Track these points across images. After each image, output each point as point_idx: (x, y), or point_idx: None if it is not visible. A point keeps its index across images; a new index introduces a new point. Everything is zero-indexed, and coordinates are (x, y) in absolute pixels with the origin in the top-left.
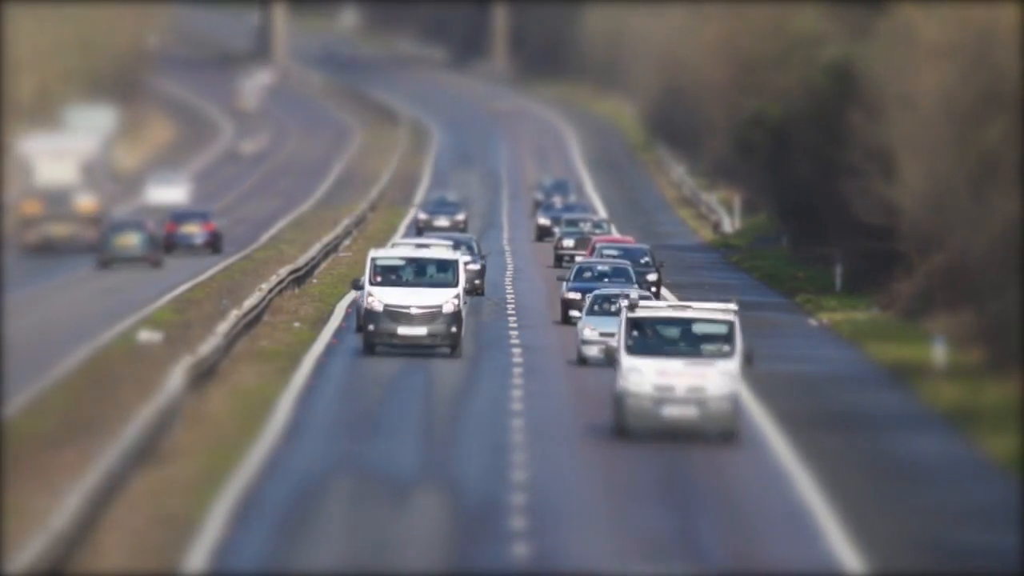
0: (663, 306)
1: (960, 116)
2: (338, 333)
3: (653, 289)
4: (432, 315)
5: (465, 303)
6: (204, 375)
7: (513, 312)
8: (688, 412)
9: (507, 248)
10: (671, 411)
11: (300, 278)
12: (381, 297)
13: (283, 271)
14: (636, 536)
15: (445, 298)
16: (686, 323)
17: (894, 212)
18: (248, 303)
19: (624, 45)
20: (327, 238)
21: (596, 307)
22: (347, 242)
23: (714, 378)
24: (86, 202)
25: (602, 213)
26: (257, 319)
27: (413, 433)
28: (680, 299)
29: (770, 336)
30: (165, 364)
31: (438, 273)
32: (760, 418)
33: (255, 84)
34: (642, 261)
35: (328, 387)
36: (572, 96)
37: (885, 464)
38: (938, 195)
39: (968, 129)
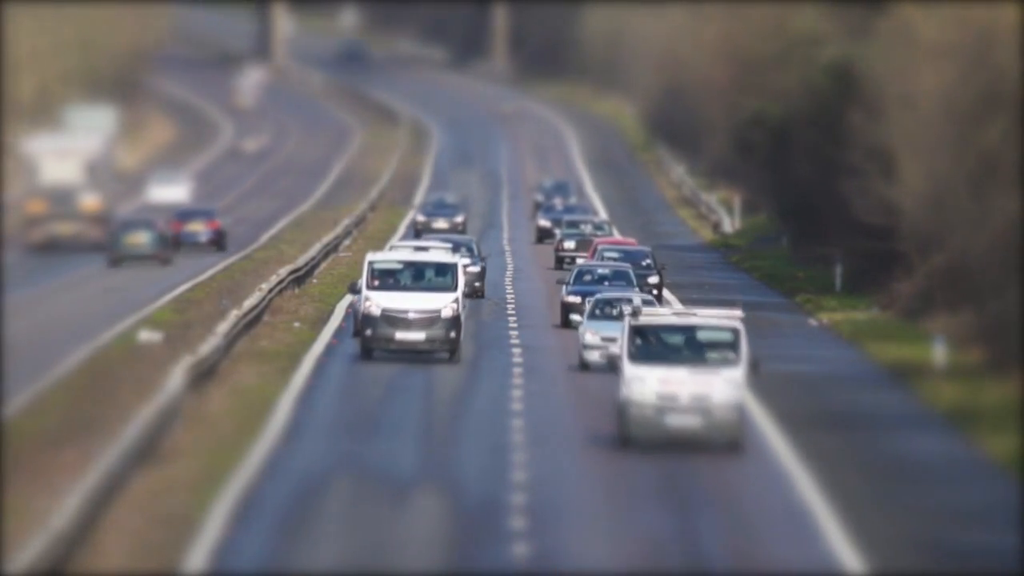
0: (667, 313)
1: (960, 116)
2: (338, 333)
3: (655, 292)
4: (430, 320)
5: (464, 307)
6: (204, 375)
7: (513, 312)
8: (692, 421)
9: (507, 248)
10: (675, 420)
11: (300, 278)
12: (379, 301)
13: (283, 271)
14: (635, 536)
15: (444, 302)
16: (690, 330)
17: (894, 212)
18: (248, 303)
19: (624, 45)
20: (327, 238)
21: (597, 311)
22: (347, 242)
23: (719, 386)
24: (90, 201)
25: (602, 214)
26: (257, 319)
27: (413, 433)
28: (681, 299)
29: (770, 336)
30: (165, 364)
31: (437, 277)
32: (760, 418)
33: (250, 82)
34: (643, 263)
35: (328, 387)
36: (572, 96)
37: (885, 464)
38: (938, 195)
39: (968, 129)
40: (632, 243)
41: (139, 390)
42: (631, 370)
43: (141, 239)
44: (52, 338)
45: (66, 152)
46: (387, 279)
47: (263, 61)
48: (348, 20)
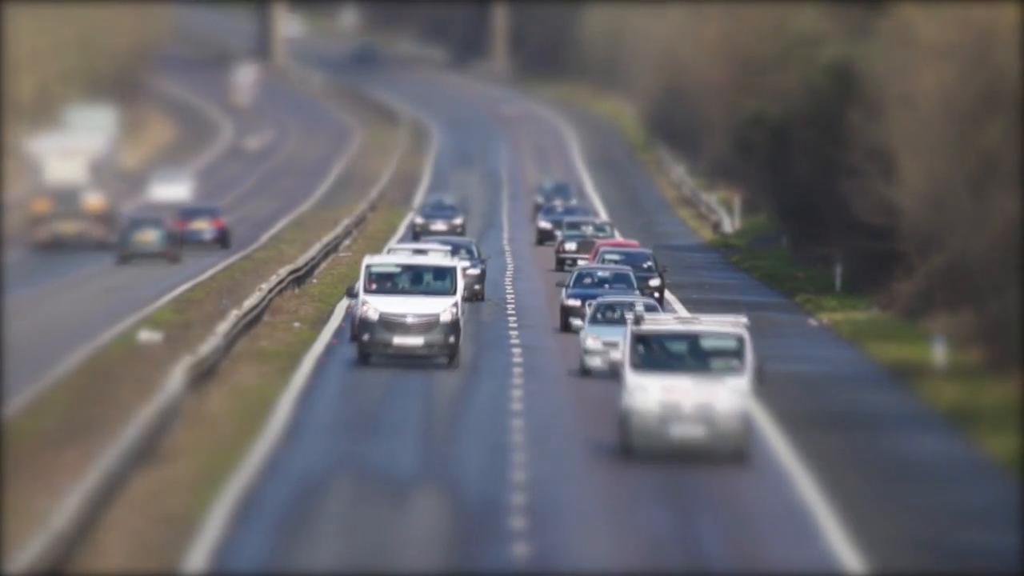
0: (670, 320)
1: (960, 116)
2: (338, 333)
3: (656, 295)
4: (429, 324)
5: (463, 312)
6: (204, 375)
7: (513, 312)
8: (696, 431)
9: (507, 248)
10: (678, 430)
11: (300, 278)
12: (376, 305)
13: (283, 271)
14: (635, 535)
15: (443, 307)
16: (694, 338)
17: (894, 212)
18: (248, 303)
19: (624, 45)
20: (327, 238)
21: (599, 315)
22: (347, 242)
23: (723, 395)
24: (94, 200)
25: (603, 214)
26: (257, 319)
27: (413, 433)
28: (681, 299)
29: (770, 336)
30: (165, 364)
31: (435, 281)
32: (760, 418)
33: (246, 80)
34: (644, 266)
35: (328, 387)
36: (572, 96)
37: (885, 464)
38: (938, 195)
39: (968, 129)
40: (634, 245)
41: (139, 390)
42: (633, 378)
43: (150, 237)
44: (52, 338)
45: (70, 151)
46: (385, 283)
47: (259, 60)
48: (348, 20)
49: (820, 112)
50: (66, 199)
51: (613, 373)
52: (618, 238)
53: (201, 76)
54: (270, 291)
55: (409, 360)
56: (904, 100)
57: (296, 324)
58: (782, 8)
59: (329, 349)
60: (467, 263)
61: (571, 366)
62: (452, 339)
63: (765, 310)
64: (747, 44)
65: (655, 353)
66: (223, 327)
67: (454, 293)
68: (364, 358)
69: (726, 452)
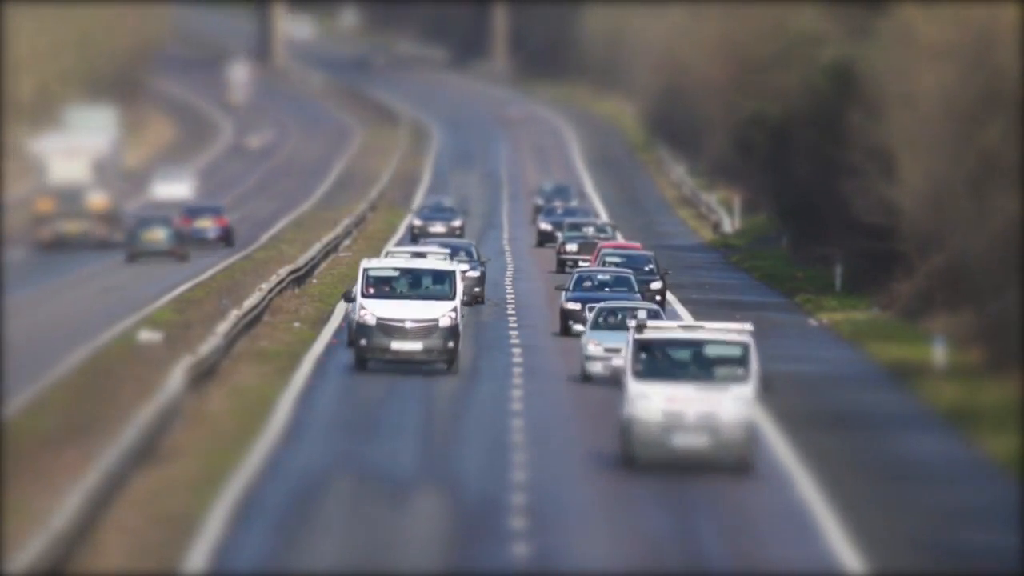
0: (673, 327)
1: (960, 116)
2: (338, 333)
3: (658, 298)
4: (428, 329)
5: (462, 316)
6: (204, 375)
7: (513, 312)
8: (699, 441)
9: (507, 248)
10: (681, 440)
11: (300, 278)
12: (374, 310)
13: (283, 271)
14: (635, 534)
15: (441, 311)
16: (697, 345)
17: (894, 212)
18: (248, 303)
19: (624, 45)
20: (327, 238)
21: (601, 320)
22: (347, 242)
23: (727, 404)
24: (98, 200)
25: (603, 214)
26: (257, 319)
27: (413, 433)
28: (681, 300)
29: (770, 336)
30: (165, 364)
31: (434, 285)
32: (760, 418)
33: (239, 78)
34: (646, 268)
35: (328, 387)
36: (572, 96)
37: (885, 464)
38: (938, 195)
39: (968, 129)
40: (636, 247)
41: (139, 390)
42: (635, 387)
43: (158, 235)
44: (52, 338)
45: (74, 151)
46: (383, 287)
47: (258, 60)
48: (348, 20)
49: (820, 112)
50: (70, 199)
51: (614, 380)
52: (620, 240)
53: (200, 76)
54: (270, 291)
55: (407, 366)
56: (904, 100)
57: (296, 324)
58: (782, 8)
59: (329, 349)
60: (466, 266)
61: (571, 370)
62: (451, 344)
63: (765, 310)
64: (747, 44)
65: (658, 361)
66: (223, 327)
67: (453, 298)
68: (361, 363)
69: (730, 462)
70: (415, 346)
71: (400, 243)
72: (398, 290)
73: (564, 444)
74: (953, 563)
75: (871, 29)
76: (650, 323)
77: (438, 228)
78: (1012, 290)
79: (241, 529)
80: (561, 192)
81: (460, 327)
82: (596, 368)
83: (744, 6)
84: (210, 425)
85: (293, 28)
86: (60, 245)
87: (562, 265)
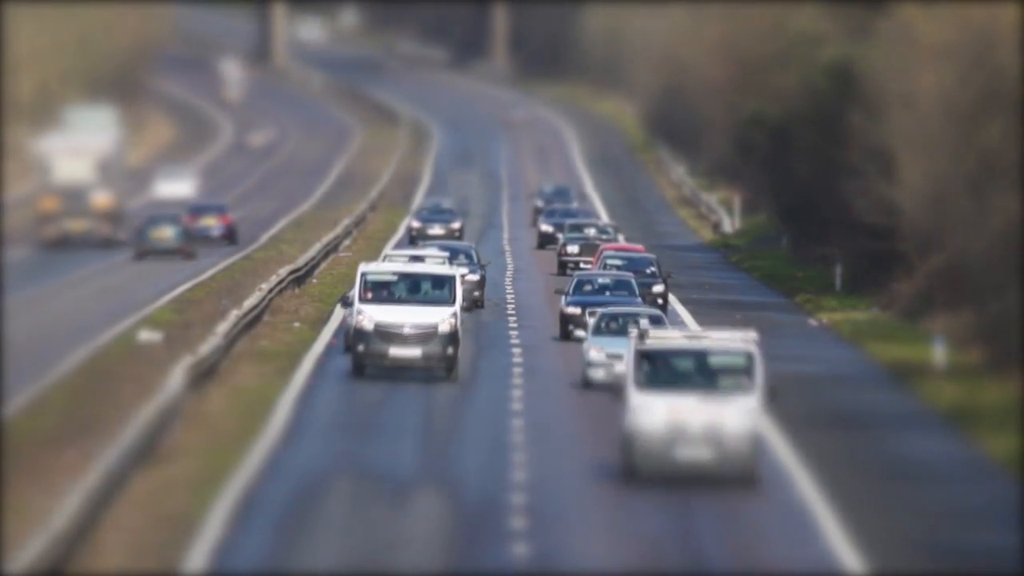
0: (676, 335)
1: (960, 116)
2: (338, 333)
3: (660, 301)
4: (427, 335)
5: (461, 323)
6: (204, 375)
7: (513, 312)
8: (703, 454)
9: (507, 249)
10: (684, 453)
11: (300, 278)
12: (372, 315)
13: (283, 271)
14: (634, 533)
15: (441, 317)
16: (701, 355)
17: (894, 212)
18: (248, 303)
19: (624, 45)
20: (327, 238)
21: (603, 325)
22: (347, 242)
23: (732, 416)
24: (102, 199)
25: (603, 214)
26: (257, 319)
27: (413, 433)
28: (682, 300)
29: (770, 336)
30: (165, 364)
31: (433, 290)
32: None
33: (232, 75)
34: (648, 271)
35: (328, 387)
36: (572, 96)
37: (885, 464)
38: (938, 195)
39: (968, 129)
40: (639, 249)
41: (139, 390)
42: (637, 398)
43: (167, 233)
44: (52, 338)
45: (78, 151)
46: (381, 291)
47: (240, 56)
48: (348, 20)
49: (820, 112)
50: (74, 198)
51: (616, 392)
52: (622, 241)
53: (198, 75)
54: (270, 291)
55: (405, 372)
56: (904, 100)
57: (296, 324)
58: (782, 8)
59: (329, 349)
60: (465, 270)
61: (572, 376)
62: (451, 351)
63: (765, 310)
64: (747, 44)
65: (660, 371)
66: (223, 327)
67: (453, 303)
68: (359, 370)
69: (735, 476)
70: (414, 352)
71: (399, 245)
72: (397, 295)
73: (564, 444)
74: (953, 563)
75: (871, 29)
76: (652, 332)
77: (437, 230)
78: (1012, 290)
79: (241, 529)
80: (561, 194)
81: (460, 333)
82: (598, 374)
83: (744, 6)
84: (210, 425)
85: (303, 30)
86: (64, 244)
87: (563, 267)
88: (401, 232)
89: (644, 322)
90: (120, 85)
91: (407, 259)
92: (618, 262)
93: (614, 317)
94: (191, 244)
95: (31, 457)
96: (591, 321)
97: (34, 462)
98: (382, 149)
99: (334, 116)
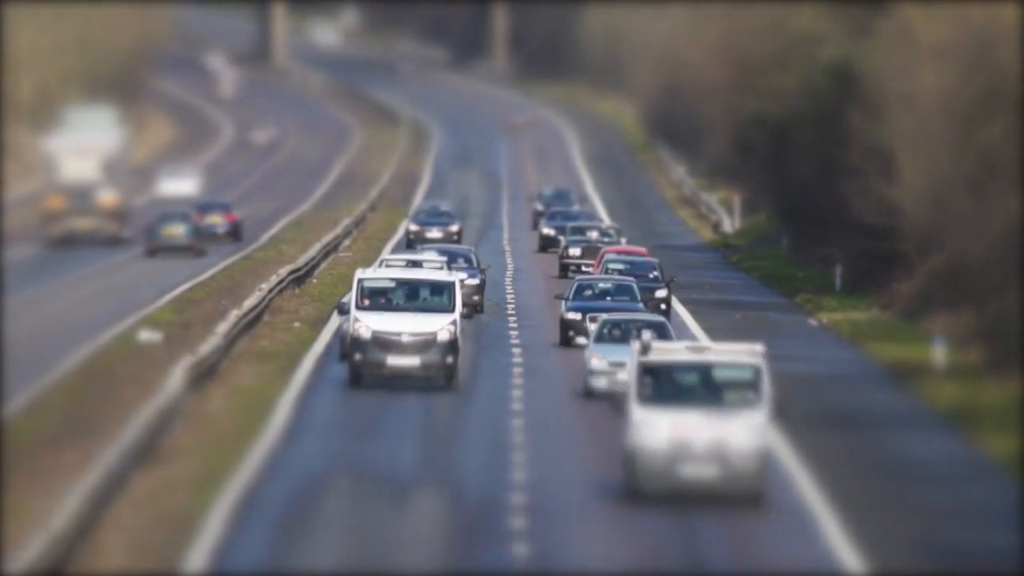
0: (680, 348)
1: (960, 116)
2: (333, 341)
3: (663, 306)
4: (425, 344)
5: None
6: (204, 375)
7: (513, 312)
8: (708, 471)
9: (507, 248)
10: (689, 470)
11: (300, 278)
12: (369, 323)
13: (283, 271)
14: (634, 533)
15: (440, 325)
16: (706, 368)
17: (894, 212)
18: (248, 303)
19: (624, 45)
20: (327, 238)
21: (605, 332)
22: (347, 242)
23: (738, 432)
24: (108, 197)
25: (603, 214)
26: (257, 319)
27: (413, 433)
28: (682, 300)
29: (770, 336)
30: (165, 364)
31: (432, 297)
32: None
33: (221, 70)
34: (651, 276)
35: (328, 386)
36: (572, 96)
37: (885, 464)
38: (938, 195)
39: (968, 129)
40: (642, 252)
41: (139, 390)
42: (640, 414)
43: (177, 231)
44: (52, 338)
45: (84, 150)
46: (378, 298)
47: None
48: (348, 20)
49: (820, 112)
50: (80, 196)
51: (617, 406)
52: (624, 244)
53: (197, 75)
54: (270, 291)
55: (403, 381)
56: (904, 100)
57: (296, 324)
58: (782, 8)
59: (329, 349)
60: (464, 275)
61: (572, 376)
62: (450, 359)
63: (765, 310)
64: (747, 44)
65: (664, 385)
66: (223, 327)
67: (452, 310)
68: (356, 379)
69: (742, 494)
70: (412, 361)
71: (397, 247)
72: (394, 302)
73: (564, 443)
74: (953, 563)
75: (871, 29)
76: (656, 345)
77: (435, 233)
78: (1012, 290)
79: (241, 529)
80: (561, 197)
81: (459, 341)
82: (600, 383)
83: (744, 6)
84: (210, 425)
85: (317, 33)
86: (70, 242)
87: (565, 270)
88: (401, 232)
89: (647, 335)
90: (120, 85)
91: (404, 264)
92: (620, 266)
93: (616, 324)
94: (201, 241)
95: (31, 457)
96: (592, 327)
97: (34, 462)
98: (382, 149)
99: (334, 116)
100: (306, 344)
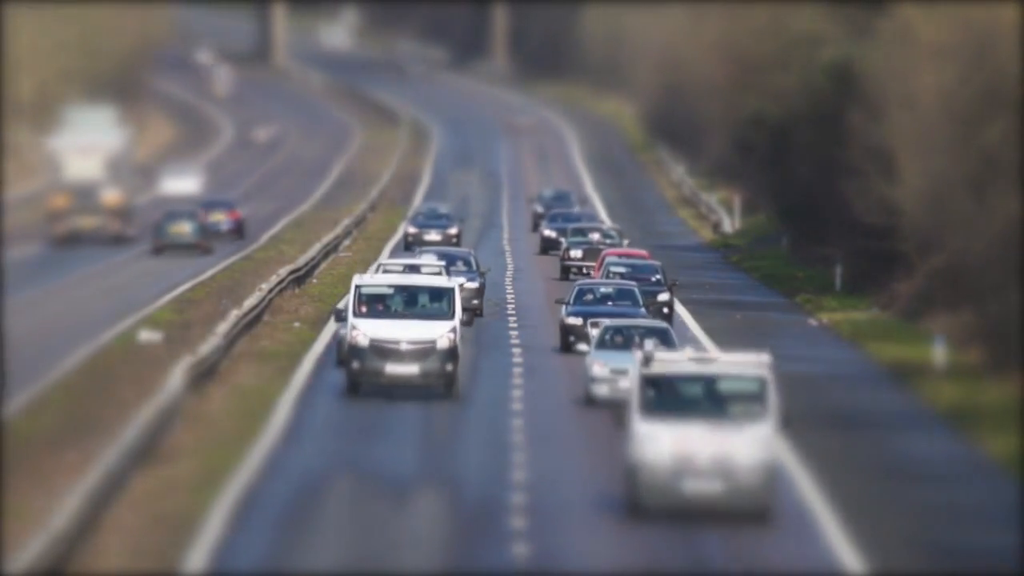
0: (683, 359)
1: (960, 116)
2: (329, 348)
3: (665, 310)
4: (425, 351)
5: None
6: (204, 375)
7: (513, 312)
8: (712, 487)
9: (507, 248)
10: (692, 485)
11: (300, 278)
12: (367, 330)
13: (283, 271)
14: (634, 533)
15: (439, 332)
16: (710, 380)
17: (894, 212)
18: (248, 303)
19: (624, 45)
20: (327, 238)
21: (607, 339)
22: (347, 242)
23: (743, 446)
24: (112, 196)
25: (603, 214)
26: (257, 319)
27: (413, 433)
28: (682, 300)
29: (770, 336)
30: (165, 364)
31: (431, 303)
32: None
33: (221, 70)
34: (653, 279)
35: (328, 386)
36: (572, 96)
37: (885, 464)
38: (938, 195)
39: (968, 129)
40: (643, 255)
41: (139, 390)
42: (642, 427)
43: (184, 228)
44: (53, 338)
45: (88, 149)
46: (376, 305)
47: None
48: (348, 20)
49: (820, 112)
50: (84, 195)
51: (618, 418)
52: (626, 246)
53: (196, 75)
54: (270, 291)
55: (402, 390)
56: (904, 100)
57: (296, 324)
58: (782, 8)
59: (329, 349)
60: (463, 279)
61: (572, 375)
62: (450, 367)
63: (765, 310)
64: (747, 44)
65: (667, 397)
66: (223, 327)
67: (452, 317)
68: (353, 388)
69: (747, 510)
70: (411, 369)
71: (397, 248)
72: (393, 309)
73: (565, 443)
74: (953, 563)
75: (871, 29)
76: (659, 355)
77: (433, 236)
78: (1012, 290)
79: (241, 529)
80: (561, 198)
81: (459, 348)
82: (602, 391)
83: (744, 6)
84: (210, 425)
85: (326, 35)
86: (75, 240)
87: (566, 272)
88: (401, 232)
89: (649, 344)
90: (120, 85)
91: (402, 269)
92: (622, 269)
93: (618, 330)
94: (208, 239)
95: (31, 457)
96: (594, 333)
97: (34, 462)
98: (382, 149)
99: (334, 116)
100: (306, 344)
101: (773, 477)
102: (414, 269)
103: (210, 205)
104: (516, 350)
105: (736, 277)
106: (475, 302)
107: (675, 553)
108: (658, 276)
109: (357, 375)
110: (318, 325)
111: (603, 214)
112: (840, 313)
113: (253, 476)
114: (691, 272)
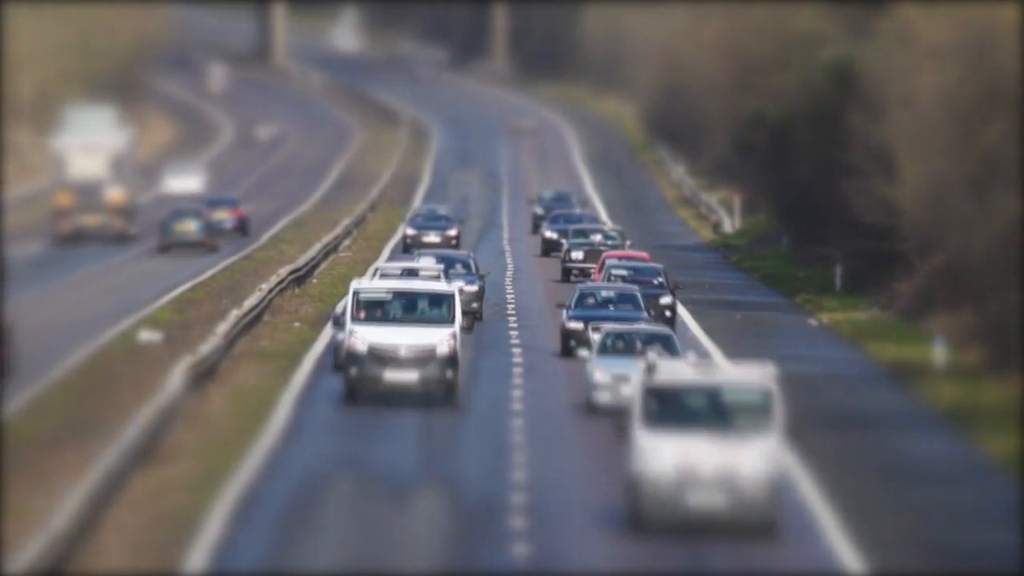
0: (686, 369)
1: (960, 116)
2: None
3: (667, 314)
4: (424, 358)
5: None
6: (204, 375)
7: (513, 312)
8: (716, 500)
9: (507, 248)
10: (696, 499)
11: (300, 278)
12: (365, 336)
13: (283, 271)
14: (634, 532)
15: (439, 338)
16: (714, 391)
17: (894, 212)
18: (248, 303)
19: (624, 45)
20: (327, 238)
21: (608, 343)
22: (347, 242)
23: (748, 459)
24: (115, 194)
25: (603, 214)
26: (257, 319)
27: (413, 433)
28: (682, 300)
29: (770, 336)
30: (165, 364)
31: (431, 308)
32: None
33: (216, 69)
34: (655, 282)
35: (328, 386)
36: (572, 96)
37: (885, 464)
38: (938, 195)
39: (968, 129)
40: (645, 257)
41: (139, 390)
42: (644, 438)
43: (190, 227)
44: (53, 338)
45: (92, 148)
46: (374, 310)
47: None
48: (352, 20)
49: (820, 112)
50: (88, 193)
51: (620, 429)
52: (627, 248)
53: (189, 73)
54: (270, 291)
55: (401, 397)
56: (904, 100)
57: (296, 324)
58: (782, 8)
59: (329, 349)
60: (462, 282)
61: (572, 375)
62: (450, 374)
63: (765, 310)
64: (747, 44)
65: (670, 408)
66: (223, 327)
67: (452, 322)
68: (352, 395)
69: (752, 524)
70: (411, 376)
71: (396, 248)
72: (391, 314)
73: (564, 444)
74: (953, 563)
75: (871, 29)
76: (662, 365)
77: (432, 238)
78: (1012, 290)
79: (241, 529)
80: (561, 200)
81: (459, 354)
82: (604, 397)
83: (744, 6)
84: (210, 425)
85: (336, 37)
86: (78, 238)
87: (567, 274)
88: (401, 232)
89: (652, 354)
90: (120, 85)
91: (400, 272)
92: (623, 272)
93: (620, 336)
94: (213, 237)
95: (31, 457)
96: (595, 338)
97: (34, 462)
98: (382, 149)
99: (334, 116)
100: (306, 344)
101: (779, 491)
102: (412, 273)
103: (214, 203)
104: (516, 350)
105: (736, 277)
106: (475, 305)
107: (675, 551)
108: (660, 279)
109: (355, 382)
110: (318, 325)
111: (603, 214)
112: (840, 313)
113: (253, 476)
114: (691, 272)
